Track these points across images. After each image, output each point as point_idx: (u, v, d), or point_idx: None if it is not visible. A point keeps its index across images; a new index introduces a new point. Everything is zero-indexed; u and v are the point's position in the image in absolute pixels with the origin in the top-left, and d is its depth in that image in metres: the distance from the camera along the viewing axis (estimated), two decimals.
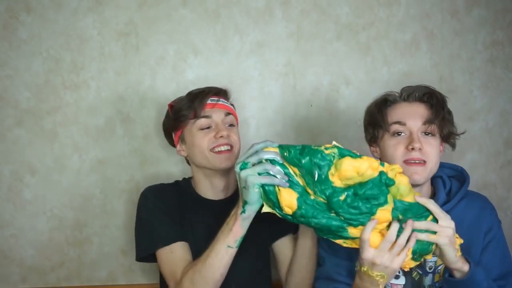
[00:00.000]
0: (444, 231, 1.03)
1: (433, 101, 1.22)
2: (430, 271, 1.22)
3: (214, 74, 1.63)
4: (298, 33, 1.65)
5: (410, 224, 1.02)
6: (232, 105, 1.40)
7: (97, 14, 1.59)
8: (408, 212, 1.04)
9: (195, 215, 1.33)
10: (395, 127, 1.21)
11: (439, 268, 1.21)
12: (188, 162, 1.40)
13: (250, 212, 1.08)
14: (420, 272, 1.21)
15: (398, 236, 1.02)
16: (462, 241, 1.07)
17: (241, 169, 1.03)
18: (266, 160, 1.03)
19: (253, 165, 1.03)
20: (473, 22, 1.69)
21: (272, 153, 1.03)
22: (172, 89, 1.61)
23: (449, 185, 1.26)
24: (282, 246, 1.40)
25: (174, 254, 1.24)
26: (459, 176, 1.29)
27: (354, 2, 1.66)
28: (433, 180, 1.27)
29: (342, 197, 1.02)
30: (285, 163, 1.04)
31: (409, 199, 1.05)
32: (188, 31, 1.62)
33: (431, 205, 1.05)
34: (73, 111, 1.60)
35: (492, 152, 1.73)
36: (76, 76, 1.59)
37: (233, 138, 1.33)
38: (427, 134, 1.20)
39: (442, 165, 1.26)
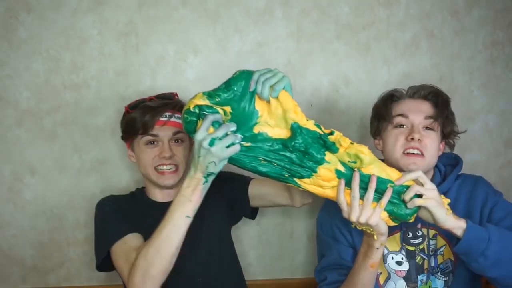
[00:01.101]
0: (429, 193, 1.08)
1: (438, 100, 1.29)
2: (432, 254, 1.26)
3: (214, 74, 1.63)
4: (298, 33, 1.65)
5: (373, 180, 1.08)
6: None
7: (97, 14, 1.59)
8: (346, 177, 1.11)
9: (150, 219, 1.28)
10: (398, 119, 1.28)
11: (441, 249, 1.26)
12: None
13: (211, 181, 1.10)
14: (424, 257, 1.26)
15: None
16: (449, 201, 1.12)
17: (210, 145, 1.04)
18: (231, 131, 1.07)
19: (220, 138, 1.05)
20: (473, 22, 1.69)
21: (233, 125, 1.07)
22: (172, 89, 1.61)
23: (444, 170, 1.34)
24: (256, 191, 1.41)
25: (128, 244, 1.22)
26: (454, 162, 1.35)
27: (354, 2, 1.66)
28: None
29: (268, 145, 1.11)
30: (218, 107, 1.09)
31: (368, 170, 1.10)
32: (188, 31, 1.62)
33: (413, 174, 1.10)
34: (73, 111, 1.60)
35: (492, 152, 1.73)
36: (76, 76, 1.60)
37: (177, 158, 1.34)
38: (428, 129, 1.26)
39: (439, 157, 1.33)
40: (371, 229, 1.10)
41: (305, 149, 1.09)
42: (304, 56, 1.66)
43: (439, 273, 1.26)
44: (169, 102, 1.36)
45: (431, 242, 1.26)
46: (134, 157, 1.38)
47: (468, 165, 1.65)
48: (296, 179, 1.12)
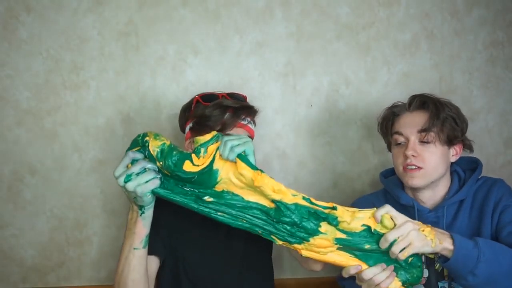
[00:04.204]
0: (404, 232, 1.05)
1: (429, 107, 1.27)
2: None
3: (214, 74, 1.63)
4: (298, 33, 1.65)
5: (390, 269, 1.07)
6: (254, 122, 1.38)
7: (97, 14, 1.59)
8: (350, 244, 1.07)
9: (189, 221, 1.27)
10: (395, 137, 1.30)
11: None
12: None
13: (149, 210, 1.09)
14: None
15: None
16: (429, 228, 1.07)
17: (125, 181, 1.02)
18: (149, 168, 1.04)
19: (137, 174, 1.03)
20: (473, 22, 1.69)
21: (151, 163, 1.04)
22: (172, 89, 1.61)
23: (463, 176, 1.32)
24: None
25: None
26: (474, 166, 1.33)
27: (354, 2, 1.66)
28: (451, 175, 1.32)
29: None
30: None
31: (352, 225, 1.06)
32: (188, 31, 1.62)
33: (381, 210, 1.07)
34: (73, 111, 1.60)
35: (492, 152, 1.73)
36: (76, 76, 1.59)
37: None
38: (424, 143, 1.25)
39: (458, 160, 1.32)
40: None
41: (296, 224, 1.04)
42: (304, 56, 1.66)
43: None
44: (248, 106, 1.32)
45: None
46: None
47: None
48: (275, 238, 1.06)
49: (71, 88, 1.60)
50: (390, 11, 1.67)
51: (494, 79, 1.71)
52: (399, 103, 1.34)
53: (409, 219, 1.07)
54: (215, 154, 1.04)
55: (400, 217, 1.06)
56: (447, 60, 1.69)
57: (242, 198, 1.05)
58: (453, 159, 1.30)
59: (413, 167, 1.24)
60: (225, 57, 1.63)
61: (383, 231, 1.06)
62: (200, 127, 1.27)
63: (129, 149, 1.07)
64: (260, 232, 1.07)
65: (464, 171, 1.33)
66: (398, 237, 1.04)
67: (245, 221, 1.06)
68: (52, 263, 1.63)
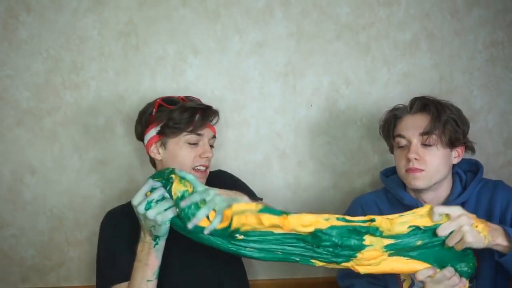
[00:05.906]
0: (461, 223, 1.04)
1: (430, 111, 1.27)
2: None
3: (214, 74, 1.63)
4: (298, 33, 1.65)
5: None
6: None
7: (97, 14, 1.59)
8: (400, 247, 1.05)
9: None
10: (397, 140, 1.30)
11: None
12: (153, 164, 1.37)
13: (163, 241, 1.10)
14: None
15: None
16: (483, 224, 1.06)
17: (146, 209, 1.04)
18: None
19: (156, 202, 1.04)
20: (473, 22, 1.69)
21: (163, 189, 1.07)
22: (172, 89, 1.61)
23: (465, 178, 1.32)
24: None
25: None
26: (475, 168, 1.34)
27: (354, 2, 1.66)
28: (452, 176, 1.32)
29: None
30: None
31: (396, 230, 1.04)
32: (188, 31, 1.62)
33: (436, 216, 1.05)
34: (73, 111, 1.60)
35: (492, 152, 1.73)
36: (76, 76, 1.60)
37: (210, 161, 1.34)
38: (427, 145, 1.25)
39: (459, 162, 1.32)
40: None
41: (338, 245, 1.01)
42: (304, 56, 1.66)
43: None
44: (211, 107, 1.35)
45: None
46: (162, 155, 1.32)
47: None
48: (315, 261, 1.04)
49: (71, 88, 1.60)
50: (390, 11, 1.67)
51: (494, 79, 1.71)
52: (401, 105, 1.34)
53: (464, 212, 1.05)
54: (232, 219, 1.02)
55: (454, 210, 1.05)
56: (447, 60, 1.69)
57: (272, 232, 1.02)
58: (455, 161, 1.31)
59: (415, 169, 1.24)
60: (225, 57, 1.63)
61: (433, 224, 1.04)
62: (170, 130, 1.28)
63: (152, 178, 1.08)
64: (297, 259, 1.04)
65: (465, 173, 1.34)
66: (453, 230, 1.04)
67: (279, 253, 1.04)
68: (52, 263, 1.63)
